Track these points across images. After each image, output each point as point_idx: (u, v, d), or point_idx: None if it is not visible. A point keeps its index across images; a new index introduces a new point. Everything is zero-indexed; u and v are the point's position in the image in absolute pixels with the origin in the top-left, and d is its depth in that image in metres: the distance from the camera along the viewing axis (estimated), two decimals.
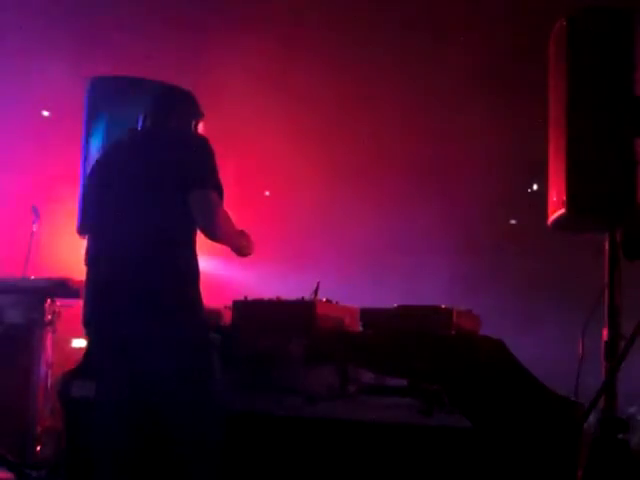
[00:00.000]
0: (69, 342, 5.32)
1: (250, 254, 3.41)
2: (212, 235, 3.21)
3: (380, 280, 7.42)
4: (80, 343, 4.32)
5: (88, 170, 4.55)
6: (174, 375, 3.11)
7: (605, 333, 3.56)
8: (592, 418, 3.49)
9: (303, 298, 3.90)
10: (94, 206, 3.36)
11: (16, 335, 4.91)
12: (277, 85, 7.68)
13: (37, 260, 5.81)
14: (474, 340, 3.72)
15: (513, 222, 8.47)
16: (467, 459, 3.26)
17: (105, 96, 4.64)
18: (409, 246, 7.80)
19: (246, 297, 4.01)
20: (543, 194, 3.78)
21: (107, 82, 4.74)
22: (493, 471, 3.24)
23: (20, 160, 7.30)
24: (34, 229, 5.81)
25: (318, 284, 3.96)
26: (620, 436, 3.43)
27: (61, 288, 4.92)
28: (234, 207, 3.42)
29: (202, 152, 3.22)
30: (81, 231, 3.45)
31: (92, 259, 3.28)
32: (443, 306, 3.76)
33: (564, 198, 3.49)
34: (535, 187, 7.92)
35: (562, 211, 3.52)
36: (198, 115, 3.46)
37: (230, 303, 4.02)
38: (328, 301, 3.96)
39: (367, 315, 3.90)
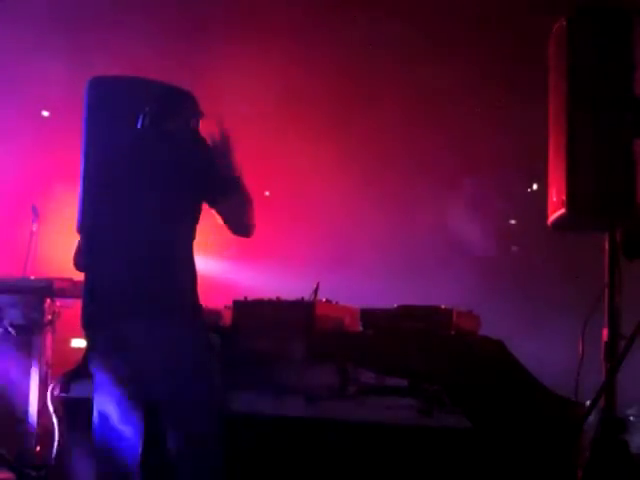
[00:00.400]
0: (69, 342, 5.32)
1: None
2: (245, 237, 3.28)
3: (380, 279, 7.41)
4: (80, 343, 4.31)
5: (88, 170, 4.56)
6: (174, 376, 3.11)
7: (605, 333, 3.56)
8: (592, 418, 3.50)
9: (303, 298, 3.90)
10: (94, 206, 3.36)
11: (16, 335, 4.91)
12: (277, 85, 7.67)
13: (37, 260, 5.81)
14: (474, 340, 3.72)
15: (513, 222, 8.47)
16: (467, 459, 3.26)
17: (105, 96, 4.63)
18: (409, 246, 7.80)
19: (246, 297, 4.01)
20: (543, 194, 3.78)
21: (107, 82, 4.73)
22: (493, 471, 3.24)
23: (20, 160, 7.30)
24: (34, 229, 5.81)
25: (318, 284, 3.96)
26: (620, 436, 3.43)
27: (60, 288, 4.92)
28: None
29: (207, 154, 3.23)
30: (81, 230, 3.45)
31: (92, 259, 3.27)
32: (443, 306, 3.77)
33: (564, 198, 3.49)
34: (535, 187, 7.92)
35: (562, 211, 3.52)
36: (197, 115, 3.46)
37: (230, 303, 4.02)
38: (328, 301, 3.96)
39: (367, 315, 3.90)
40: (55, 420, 4.61)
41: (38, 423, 4.88)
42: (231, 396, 3.60)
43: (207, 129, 3.49)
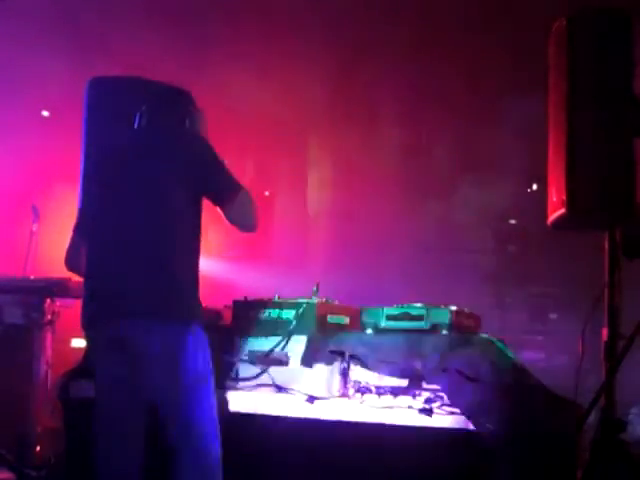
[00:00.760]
0: (69, 342, 5.32)
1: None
2: (250, 232, 3.35)
3: (380, 279, 7.42)
4: (80, 343, 4.32)
5: (88, 170, 4.56)
6: (174, 375, 3.11)
7: (605, 333, 3.56)
8: (592, 418, 3.49)
9: (303, 298, 3.90)
10: (94, 206, 3.36)
11: (16, 335, 4.91)
12: (277, 85, 7.67)
13: (37, 260, 5.81)
14: (474, 340, 3.72)
15: (513, 222, 8.47)
16: (467, 459, 3.26)
17: (105, 96, 4.63)
18: (409, 246, 7.80)
19: (246, 297, 4.01)
20: (543, 194, 3.78)
21: (107, 82, 4.73)
22: (493, 472, 3.24)
23: (20, 160, 7.30)
24: (34, 229, 5.81)
25: (318, 284, 3.96)
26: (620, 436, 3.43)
27: (61, 288, 4.92)
28: None
29: (205, 152, 3.23)
30: (79, 231, 3.44)
31: (92, 259, 3.27)
32: (443, 306, 3.76)
33: (564, 198, 3.49)
34: (535, 187, 7.92)
35: (562, 211, 3.52)
36: (195, 113, 3.46)
37: (230, 303, 4.02)
38: (328, 301, 3.96)
39: (367, 315, 3.90)
40: (55, 420, 4.61)
41: (38, 423, 4.89)
42: (231, 396, 3.60)
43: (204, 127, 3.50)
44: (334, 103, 7.85)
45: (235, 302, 4.01)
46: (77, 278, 4.05)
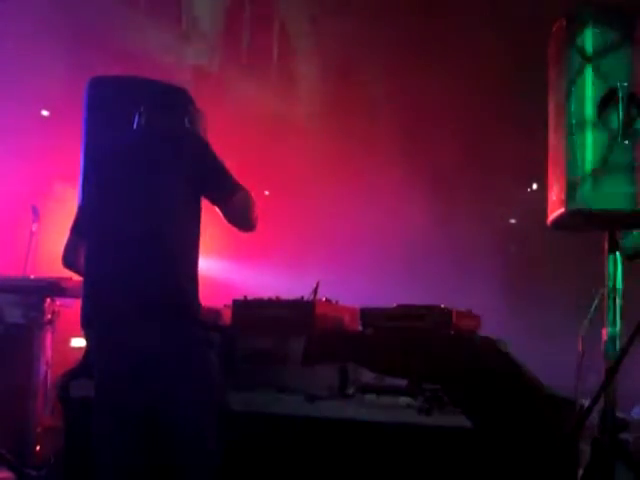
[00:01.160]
0: (69, 342, 5.32)
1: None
2: (249, 232, 3.35)
3: (380, 279, 7.42)
4: (80, 343, 4.32)
5: (87, 170, 4.56)
6: (173, 375, 3.11)
7: (604, 333, 3.56)
8: (592, 418, 3.49)
9: (303, 298, 3.90)
10: (94, 206, 3.36)
11: (16, 335, 4.91)
12: (277, 85, 7.67)
13: (37, 260, 5.81)
14: (474, 340, 3.72)
15: (513, 222, 8.48)
16: (467, 459, 3.26)
17: (105, 96, 4.63)
18: (409, 246, 7.80)
19: (246, 297, 4.00)
20: (543, 194, 3.78)
21: (107, 82, 4.74)
22: (493, 471, 3.24)
23: (20, 160, 7.30)
24: (34, 229, 5.81)
25: (318, 284, 3.95)
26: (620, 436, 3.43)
27: (60, 288, 4.92)
28: None
29: (205, 152, 3.24)
30: (77, 230, 3.44)
31: (91, 259, 3.27)
32: (443, 306, 3.76)
33: (564, 197, 3.49)
34: (535, 187, 7.92)
35: (562, 210, 3.52)
36: (195, 113, 3.46)
37: (230, 303, 4.02)
38: (328, 301, 3.96)
39: (367, 315, 3.90)
40: (55, 420, 4.61)
41: (38, 423, 4.89)
42: (231, 396, 3.60)
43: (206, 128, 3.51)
44: (334, 103, 7.84)
45: (235, 302, 4.00)
46: (77, 278, 4.05)
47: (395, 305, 3.86)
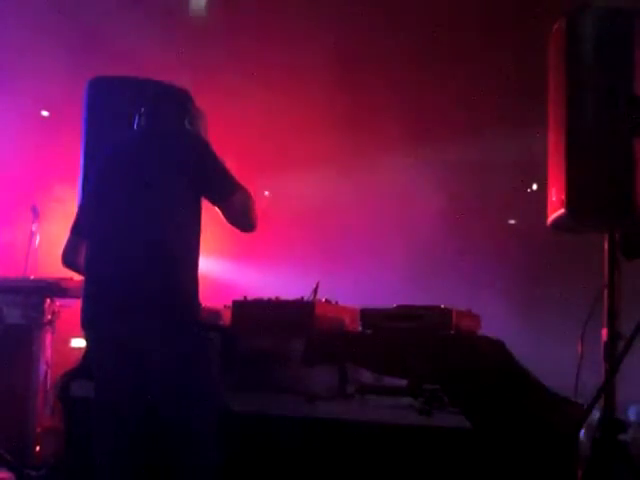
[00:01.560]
0: (69, 342, 5.32)
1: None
2: (249, 232, 3.35)
3: (380, 279, 7.41)
4: (80, 343, 4.32)
5: (88, 170, 4.56)
6: (173, 375, 3.12)
7: (605, 333, 3.56)
8: (592, 418, 3.50)
9: (303, 298, 3.90)
10: (94, 206, 3.36)
11: (16, 335, 4.91)
12: (277, 85, 7.67)
13: (37, 260, 5.81)
14: (474, 340, 3.72)
15: (513, 222, 8.47)
16: (467, 459, 3.26)
17: (105, 96, 4.63)
18: (408, 246, 7.80)
19: (246, 297, 4.00)
20: (543, 194, 3.78)
21: (107, 82, 4.74)
22: (493, 471, 3.24)
23: (20, 160, 7.30)
24: (34, 229, 5.81)
25: (318, 284, 3.95)
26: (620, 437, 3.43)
27: (60, 288, 4.92)
28: None
29: (204, 152, 3.24)
30: (77, 230, 3.44)
31: (92, 259, 3.27)
32: (443, 306, 3.76)
33: (564, 198, 3.49)
34: (535, 187, 7.92)
35: (561, 211, 3.52)
36: (195, 113, 3.46)
37: (230, 303, 4.02)
38: (328, 301, 3.96)
39: (367, 315, 3.90)
40: (55, 420, 4.61)
41: (38, 423, 4.89)
42: (231, 396, 3.60)
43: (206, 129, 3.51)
44: (334, 103, 7.84)
45: (235, 302, 4.00)
46: (77, 278, 4.05)
47: (395, 305, 3.86)
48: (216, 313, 4.12)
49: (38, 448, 4.84)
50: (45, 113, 7.81)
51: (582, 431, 3.54)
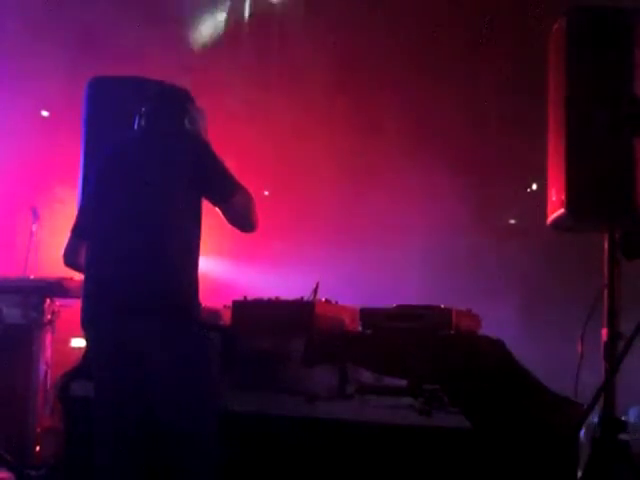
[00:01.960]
0: (68, 342, 5.32)
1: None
2: (250, 232, 3.35)
3: (380, 279, 7.41)
4: (80, 343, 4.32)
5: (88, 170, 4.56)
6: (173, 375, 3.11)
7: (605, 333, 3.56)
8: (592, 418, 3.50)
9: (303, 298, 3.90)
10: (94, 206, 3.36)
11: (15, 335, 4.91)
12: (276, 85, 7.67)
13: (37, 261, 5.81)
14: (474, 340, 3.72)
15: (513, 222, 8.48)
16: (467, 459, 3.26)
17: (105, 96, 4.63)
18: (408, 246, 7.80)
19: (246, 297, 4.00)
20: (543, 194, 3.78)
21: (107, 82, 4.74)
22: (493, 471, 3.24)
23: (20, 160, 7.30)
24: (33, 229, 5.82)
25: (317, 284, 3.95)
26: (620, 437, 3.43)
27: (60, 288, 4.92)
28: None
29: (205, 153, 3.24)
30: (77, 230, 3.44)
31: (92, 259, 3.27)
32: (443, 306, 3.76)
33: (563, 198, 3.49)
34: (535, 187, 7.92)
35: (561, 211, 3.52)
36: (195, 113, 3.46)
37: (230, 303, 4.02)
38: (328, 301, 3.96)
39: (367, 315, 3.90)
40: (55, 420, 4.61)
41: (38, 423, 4.89)
42: (231, 396, 3.60)
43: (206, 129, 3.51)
44: (333, 103, 7.84)
45: (234, 302, 4.00)
46: (77, 278, 4.05)
47: (395, 305, 3.86)
48: (216, 313, 4.12)
49: (38, 448, 4.84)
50: (45, 113, 7.81)
51: (582, 431, 3.54)
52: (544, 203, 3.74)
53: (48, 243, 5.98)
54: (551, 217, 3.66)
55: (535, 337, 6.77)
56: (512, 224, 8.47)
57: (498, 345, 3.56)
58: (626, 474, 3.37)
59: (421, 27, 7.61)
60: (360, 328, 3.92)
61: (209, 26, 7.92)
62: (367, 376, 3.65)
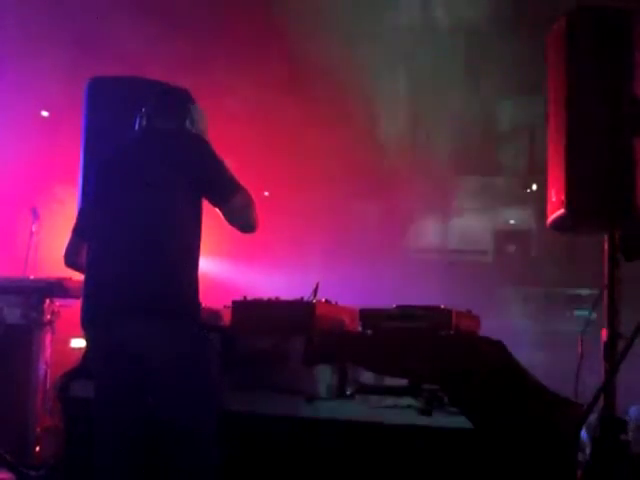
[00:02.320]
0: (68, 342, 5.33)
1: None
2: (250, 233, 3.34)
3: (379, 279, 7.42)
4: (79, 343, 4.33)
5: (87, 170, 4.56)
6: (173, 375, 3.11)
7: (605, 333, 3.56)
8: (592, 418, 3.50)
9: (303, 298, 3.90)
10: (94, 206, 3.36)
11: (15, 335, 4.91)
12: (277, 85, 7.68)
13: (37, 261, 5.82)
14: (474, 340, 3.72)
15: (512, 222, 8.48)
16: (467, 460, 3.26)
17: (105, 96, 4.64)
18: (408, 246, 7.81)
19: (245, 297, 4.00)
20: (543, 194, 3.78)
21: (107, 82, 4.74)
22: (493, 471, 3.24)
23: (20, 160, 7.30)
24: (33, 229, 5.82)
25: (317, 284, 3.95)
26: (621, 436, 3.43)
27: (60, 288, 4.92)
28: None
29: (205, 154, 3.24)
30: (78, 231, 3.44)
31: (92, 259, 3.27)
32: (443, 306, 3.76)
33: (563, 198, 3.49)
34: (534, 187, 7.93)
35: (561, 211, 3.52)
36: (195, 113, 3.46)
37: (230, 303, 4.02)
38: (327, 301, 3.96)
39: (367, 315, 3.90)
40: (55, 420, 4.61)
41: (38, 423, 4.89)
42: (231, 396, 3.60)
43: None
44: (333, 103, 7.85)
45: (234, 302, 4.00)
46: (77, 278, 4.05)
47: (395, 306, 3.86)
48: (216, 313, 4.12)
49: (38, 448, 4.84)
50: (45, 113, 7.81)
51: (583, 431, 3.54)
52: (544, 203, 3.74)
53: (48, 243, 5.98)
54: (551, 217, 3.66)
55: (535, 337, 6.78)
56: (512, 224, 8.49)
57: (498, 345, 3.56)
58: (626, 474, 3.37)
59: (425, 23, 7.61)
60: (360, 328, 3.92)
61: None
62: (367, 376, 3.65)
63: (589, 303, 3.63)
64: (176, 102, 3.48)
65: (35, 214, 5.86)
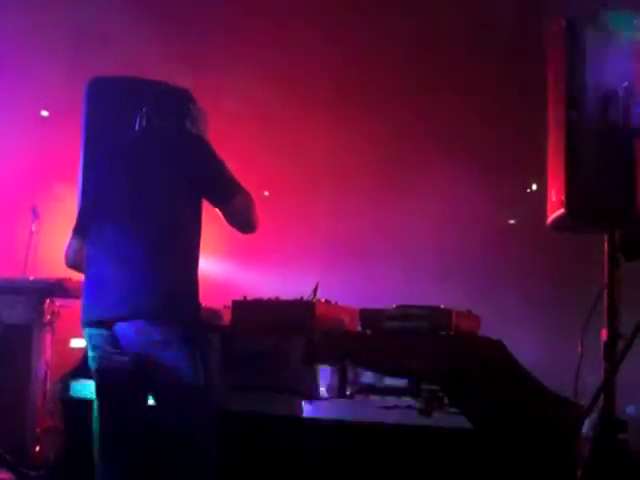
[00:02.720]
0: (69, 342, 5.32)
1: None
2: (250, 233, 3.33)
3: (379, 279, 7.41)
4: (79, 343, 4.32)
5: (87, 170, 4.56)
6: (173, 375, 3.11)
7: (604, 333, 3.56)
8: (592, 418, 3.49)
9: (303, 298, 3.90)
10: (94, 206, 3.36)
11: (15, 335, 4.91)
12: (277, 85, 7.68)
13: (36, 260, 5.81)
14: (474, 340, 3.72)
15: (512, 222, 8.48)
16: (467, 460, 3.26)
17: (105, 96, 4.64)
18: (408, 246, 7.80)
19: (245, 297, 4.00)
20: (543, 194, 3.78)
21: (106, 82, 4.74)
22: (493, 471, 3.24)
23: (20, 160, 7.30)
24: (33, 229, 5.82)
25: (317, 284, 3.95)
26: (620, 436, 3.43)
27: (60, 288, 4.92)
28: None
29: (209, 155, 3.23)
30: (78, 231, 3.44)
31: (92, 259, 3.27)
32: (443, 306, 3.76)
33: (563, 198, 3.49)
34: (535, 187, 7.92)
35: (561, 211, 3.52)
36: (196, 113, 3.46)
37: (230, 303, 4.02)
38: (327, 301, 3.96)
39: (367, 315, 3.90)
40: (55, 420, 4.60)
41: (38, 423, 4.89)
42: (231, 396, 3.60)
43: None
44: (333, 103, 7.84)
45: (234, 302, 4.00)
46: (77, 278, 4.05)
47: (395, 305, 3.86)
48: (216, 313, 4.12)
49: (38, 448, 4.85)
50: (45, 113, 7.81)
51: (585, 427, 3.54)
52: (544, 203, 3.74)
53: (48, 242, 5.98)
54: (551, 217, 3.66)
55: (535, 337, 6.77)
56: (512, 224, 8.48)
57: (498, 345, 3.56)
58: (626, 473, 3.37)
59: (422, 30, 7.61)
60: (360, 328, 3.92)
61: None
62: (367, 376, 3.65)
63: (589, 303, 3.62)
64: (176, 102, 3.48)
65: (35, 213, 5.86)
